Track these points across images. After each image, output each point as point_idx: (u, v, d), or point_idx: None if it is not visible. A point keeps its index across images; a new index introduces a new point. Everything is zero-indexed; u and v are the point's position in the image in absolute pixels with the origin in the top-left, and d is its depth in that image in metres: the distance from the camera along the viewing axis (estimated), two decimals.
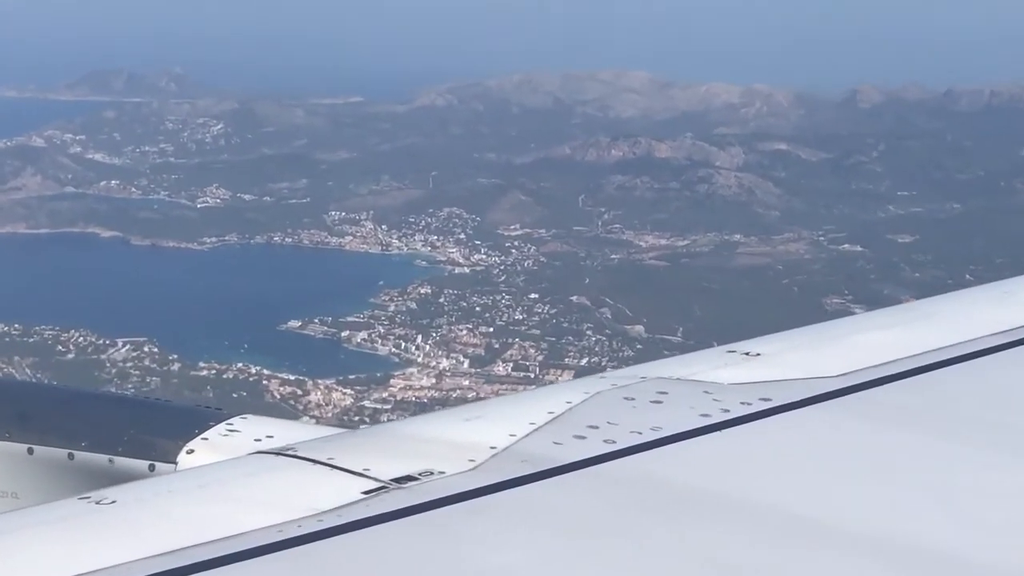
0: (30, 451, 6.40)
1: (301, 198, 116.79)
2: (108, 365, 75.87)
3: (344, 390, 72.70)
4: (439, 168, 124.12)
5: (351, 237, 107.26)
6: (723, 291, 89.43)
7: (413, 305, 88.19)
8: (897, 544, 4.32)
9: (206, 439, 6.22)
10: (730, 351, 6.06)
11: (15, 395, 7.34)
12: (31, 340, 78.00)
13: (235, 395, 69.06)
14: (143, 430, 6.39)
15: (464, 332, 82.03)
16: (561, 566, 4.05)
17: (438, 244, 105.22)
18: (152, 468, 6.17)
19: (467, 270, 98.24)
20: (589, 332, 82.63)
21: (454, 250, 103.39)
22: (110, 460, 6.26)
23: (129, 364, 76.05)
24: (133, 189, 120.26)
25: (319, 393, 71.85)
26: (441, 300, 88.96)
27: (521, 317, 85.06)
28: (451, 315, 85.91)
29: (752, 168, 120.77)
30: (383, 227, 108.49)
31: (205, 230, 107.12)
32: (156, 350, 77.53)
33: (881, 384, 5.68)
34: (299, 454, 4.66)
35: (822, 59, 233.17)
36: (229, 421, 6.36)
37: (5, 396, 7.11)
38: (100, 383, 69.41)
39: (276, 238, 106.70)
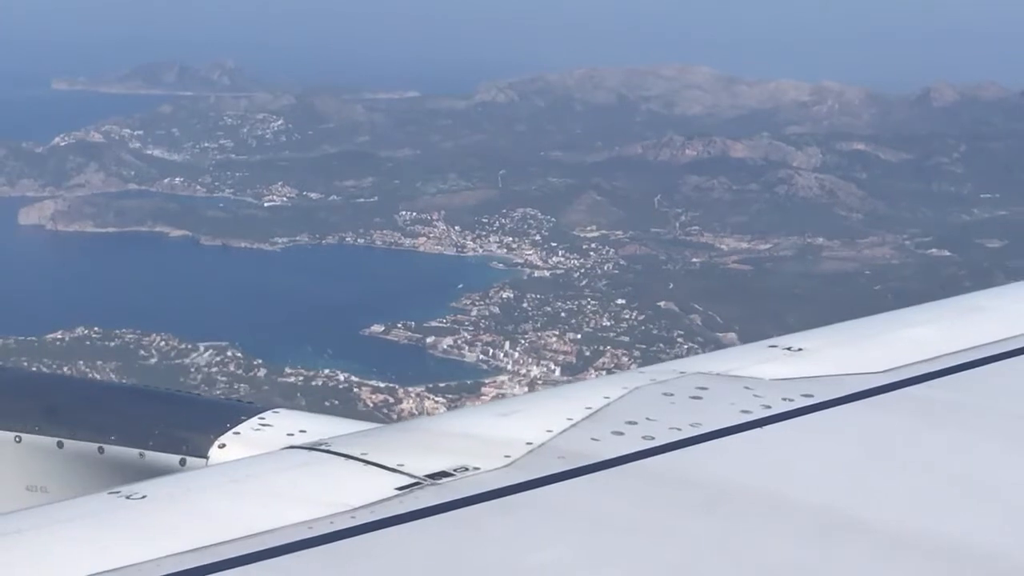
0: (60, 445, 6.40)
1: (369, 197, 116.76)
2: (193, 370, 75.91)
3: (436, 398, 72.48)
4: (507, 166, 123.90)
5: (424, 238, 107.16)
6: (814, 297, 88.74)
7: (496, 310, 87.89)
8: (941, 543, 4.32)
9: (238, 433, 6.20)
10: (771, 346, 6.06)
11: (44, 388, 7.38)
12: (112, 344, 78.13)
13: (327, 403, 68.82)
14: (174, 424, 6.37)
15: (553, 339, 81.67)
16: (597, 564, 4.05)
17: (514, 246, 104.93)
18: (183, 463, 6.16)
19: (547, 273, 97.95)
20: (680, 339, 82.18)
21: (531, 252, 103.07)
22: (140, 454, 6.26)
23: (214, 369, 75.96)
24: (198, 187, 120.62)
25: (411, 401, 71.62)
26: (524, 305, 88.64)
27: (609, 323, 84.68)
28: (536, 320, 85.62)
29: (831, 169, 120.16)
30: (456, 228, 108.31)
31: (275, 230, 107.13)
32: (240, 355, 77.47)
33: (926, 380, 5.67)
34: (332, 449, 4.68)
35: (891, 56, 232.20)
36: (261, 415, 6.33)
37: (34, 389, 7.16)
38: (187, 389, 69.26)
39: (348, 238, 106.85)
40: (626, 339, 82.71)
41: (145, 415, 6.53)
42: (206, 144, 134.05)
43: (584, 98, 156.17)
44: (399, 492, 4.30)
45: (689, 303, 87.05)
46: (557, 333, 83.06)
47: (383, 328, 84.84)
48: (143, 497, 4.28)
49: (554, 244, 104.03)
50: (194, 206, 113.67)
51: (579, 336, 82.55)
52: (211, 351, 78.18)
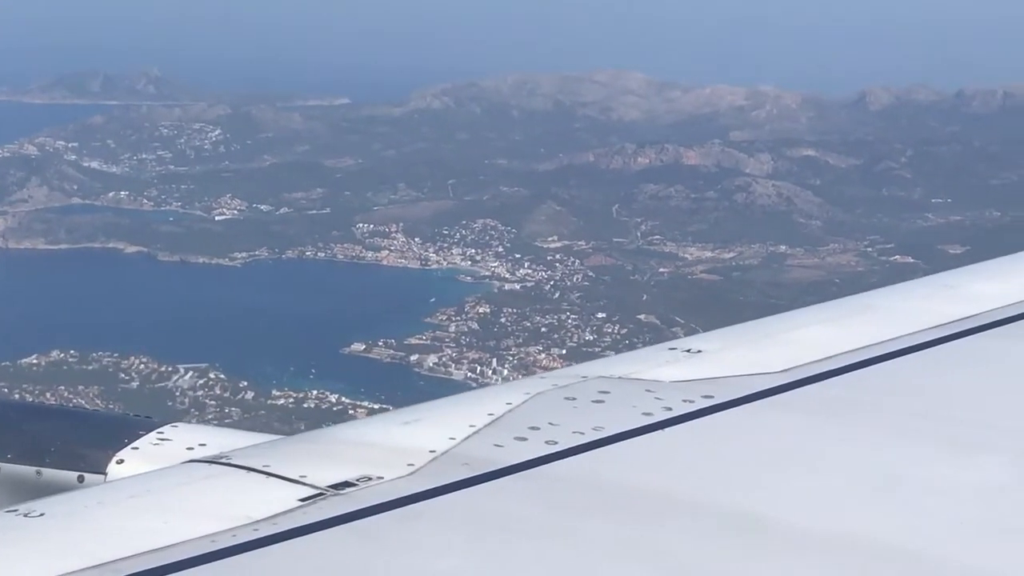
0: None
1: (320, 209, 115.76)
2: (178, 394, 74.42)
3: None
4: (455, 175, 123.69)
5: (386, 251, 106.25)
6: (790, 307, 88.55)
7: (475, 325, 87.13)
8: (842, 539, 4.41)
9: (136, 448, 6.15)
10: (671, 348, 6.15)
11: None
12: (90, 368, 76.60)
13: (324, 426, 67.53)
14: (71, 441, 6.31)
15: (539, 355, 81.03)
16: (503, 570, 4.09)
17: (478, 258, 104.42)
18: (81, 479, 6.08)
19: (517, 286, 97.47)
20: None
21: (496, 264, 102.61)
22: (37, 472, 6.18)
23: (200, 393, 74.51)
24: (144, 200, 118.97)
25: None
26: (503, 320, 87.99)
27: (592, 338, 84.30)
28: (517, 336, 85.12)
29: (784, 175, 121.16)
30: (416, 240, 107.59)
31: (233, 244, 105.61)
32: (223, 377, 76.08)
33: (822, 379, 5.79)
34: (233, 462, 4.67)
35: (820, 59, 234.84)
36: (160, 429, 6.28)
37: None
38: (177, 415, 67.82)
39: (308, 252, 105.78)
40: (612, 354, 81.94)
41: (41, 432, 6.43)
42: (144, 155, 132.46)
43: (520, 104, 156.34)
44: (302, 503, 4.31)
45: (669, 315, 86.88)
46: (541, 348, 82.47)
47: (364, 346, 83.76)
48: (41, 515, 4.28)
49: (518, 256, 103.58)
50: (144, 220, 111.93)
51: (564, 351, 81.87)
52: (193, 373, 76.75)
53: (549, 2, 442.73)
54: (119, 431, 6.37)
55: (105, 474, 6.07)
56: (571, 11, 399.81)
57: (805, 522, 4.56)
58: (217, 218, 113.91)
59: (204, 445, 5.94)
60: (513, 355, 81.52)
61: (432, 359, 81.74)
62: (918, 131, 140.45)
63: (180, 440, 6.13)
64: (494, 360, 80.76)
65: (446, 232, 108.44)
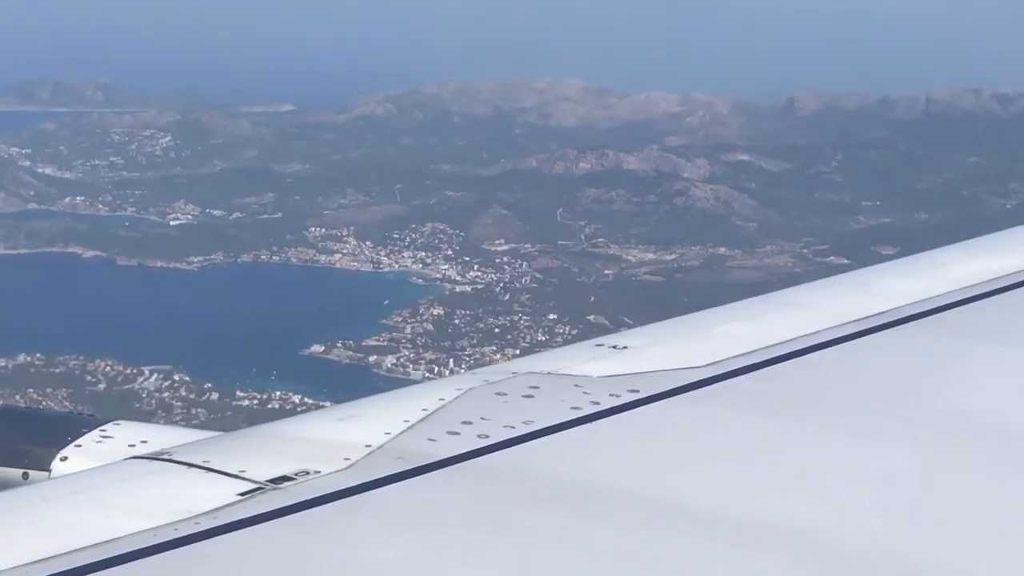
0: None
1: (272, 213, 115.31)
2: (144, 396, 74.09)
3: None
4: (401, 180, 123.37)
5: (339, 255, 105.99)
6: None
7: (430, 327, 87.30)
8: (761, 524, 4.53)
9: (79, 446, 6.17)
10: (598, 345, 6.19)
11: None
12: (57, 371, 76.10)
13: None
14: (14, 439, 6.33)
15: (495, 355, 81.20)
16: (437, 560, 4.14)
17: (428, 261, 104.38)
18: (26, 476, 6.11)
19: (468, 288, 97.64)
20: None
21: (446, 267, 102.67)
22: None
23: (166, 395, 74.27)
24: (100, 205, 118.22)
25: None
26: (456, 321, 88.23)
27: (544, 338, 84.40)
28: (471, 337, 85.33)
29: (720, 179, 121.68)
30: (368, 243, 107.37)
31: (188, 248, 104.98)
32: (187, 378, 75.85)
33: (745, 373, 5.85)
34: (174, 458, 4.68)
35: (749, 66, 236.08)
36: (103, 427, 6.31)
37: None
38: (145, 416, 67.56)
39: (263, 256, 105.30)
40: None
41: None
42: (96, 161, 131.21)
43: (461, 111, 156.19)
44: (241, 497, 4.33)
45: (617, 316, 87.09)
46: (496, 349, 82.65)
47: (323, 348, 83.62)
48: None
49: (467, 259, 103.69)
50: (101, 225, 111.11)
51: (518, 352, 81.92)
52: (157, 375, 76.46)
53: (487, 11, 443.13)
54: (63, 429, 6.38)
55: (49, 471, 6.08)
56: (508, 19, 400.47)
57: (724, 508, 4.64)
58: (172, 223, 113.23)
59: (145, 442, 5.94)
60: (469, 355, 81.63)
61: (390, 360, 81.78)
62: (846, 136, 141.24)
63: (122, 437, 6.15)
64: (451, 360, 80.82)
65: (396, 236, 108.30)
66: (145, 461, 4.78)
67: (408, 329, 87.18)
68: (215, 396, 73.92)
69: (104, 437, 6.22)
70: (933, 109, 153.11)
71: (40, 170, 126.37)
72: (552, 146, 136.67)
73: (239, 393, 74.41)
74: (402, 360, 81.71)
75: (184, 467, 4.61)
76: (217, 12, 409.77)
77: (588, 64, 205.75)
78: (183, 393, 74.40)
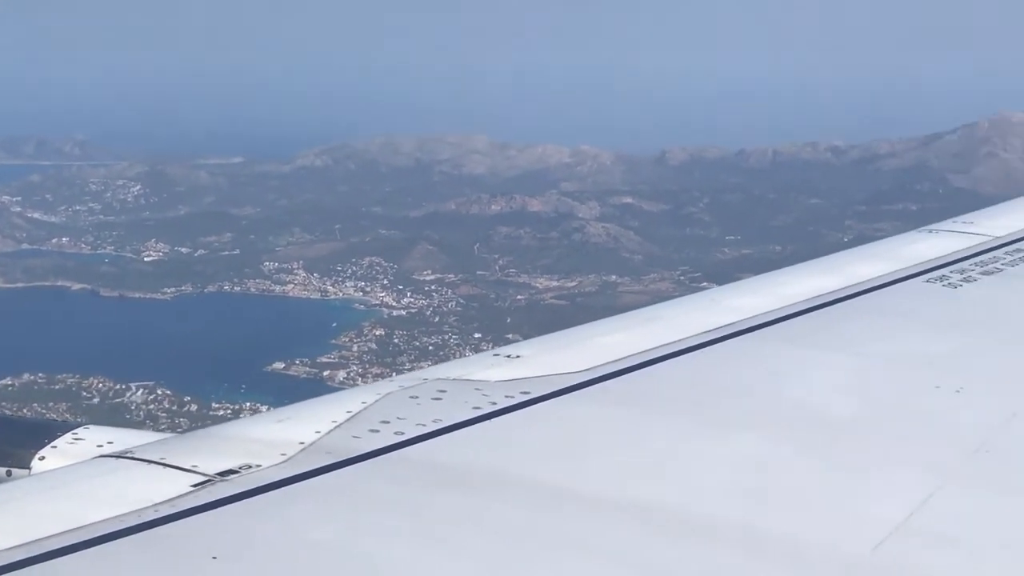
0: None
1: (232, 250, 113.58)
2: (133, 408, 72.48)
3: None
4: (340, 221, 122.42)
5: (291, 285, 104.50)
6: None
7: (373, 345, 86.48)
8: (631, 504, 4.65)
9: (55, 447, 6.14)
10: (496, 355, 6.27)
11: None
12: (57, 388, 74.25)
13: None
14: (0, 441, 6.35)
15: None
16: (362, 540, 4.22)
17: (367, 289, 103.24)
18: (9, 474, 6.08)
19: (403, 312, 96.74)
20: None
21: (383, 294, 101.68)
22: None
23: (152, 406, 72.73)
24: (83, 245, 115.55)
25: None
26: (396, 340, 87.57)
27: (472, 354, 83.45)
28: (410, 354, 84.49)
29: (609, 219, 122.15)
30: (315, 275, 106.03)
31: (162, 281, 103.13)
32: (169, 392, 74.40)
33: (617, 376, 5.95)
34: (136, 456, 4.72)
35: (627, 122, 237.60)
36: (75, 431, 6.26)
37: None
38: (136, 424, 66.19)
39: (226, 287, 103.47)
40: None
41: None
42: (78, 207, 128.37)
43: (387, 161, 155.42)
44: (194, 488, 4.38)
45: (531, 333, 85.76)
46: (432, 363, 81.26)
47: (283, 364, 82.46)
48: None
49: (401, 287, 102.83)
50: (85, 262, 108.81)
51: None
52: (143, 390, 74.83)
53: (403, 74, 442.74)
54: (41, 433, 6.32)
55: (29, 469, 6.02)
56: (422, 82, 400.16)
57: (605, 492, 4.73)
58: (146, 259, 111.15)
59: (111, 443, 5.84)
60: (409, 369, 79.97)
61: (341, 374, 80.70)
62: (710, 182, 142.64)
63: (91, 439, 6.05)
64: (394, 374, 79.45)
65: (339, 268, 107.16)
66: (111, 459, 4.80)
67: (355, 348, 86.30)
68: (194, 407, 72.50)
69: (76, 439, 6.13)
70: (779, 159, 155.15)
71: (30, 215, 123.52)
72: (466, 191, 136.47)
73: (215, 404, 73.04)
74: (352, 374, 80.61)
75: (145, 463, 4.63)
76: (173, 78, 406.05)
77: (492, 121, 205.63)
78: (166, 405, 72.91)
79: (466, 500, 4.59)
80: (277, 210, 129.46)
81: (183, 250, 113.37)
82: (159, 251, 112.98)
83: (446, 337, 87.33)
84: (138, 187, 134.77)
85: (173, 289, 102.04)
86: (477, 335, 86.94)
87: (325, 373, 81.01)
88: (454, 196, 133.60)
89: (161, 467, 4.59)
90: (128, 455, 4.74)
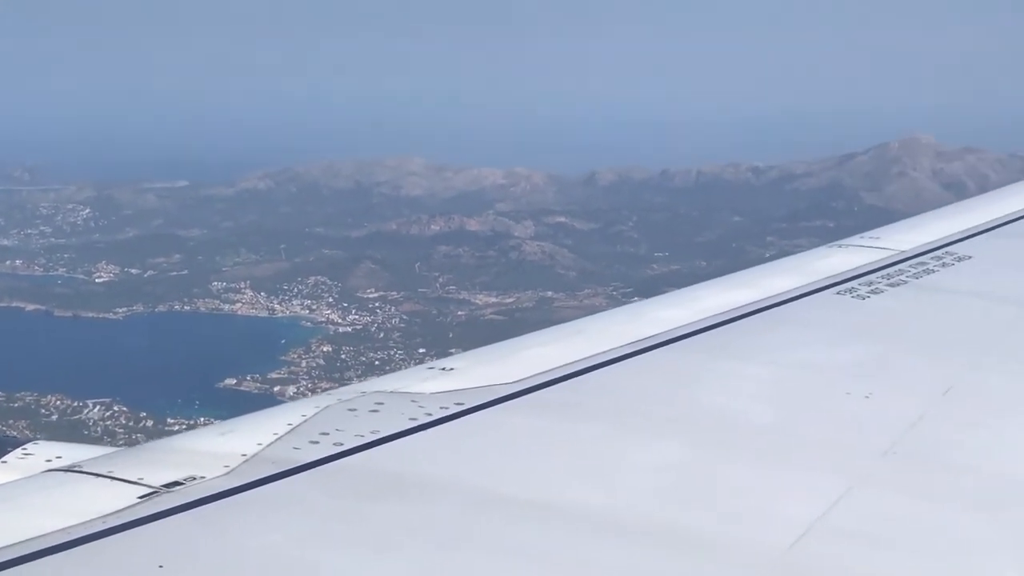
0: None
1: (180, 271, 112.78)
2: (91, 424, 72.05)
3: None
4: (285, 241, 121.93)
5: (239, 304, 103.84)
6: None
7: (321, 361, 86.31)
8: (567, 507, 4.70)
9: (5, 462, 5.95)
10: (430, 368, 6.26)
11: None
12: (16, 405, 73.38)
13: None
14: None
15: None
16: (304, 548, 4.19)
17: (313, 307, 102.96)
18: None
19: (349, 329, 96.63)
20: None
21: (329, 312, 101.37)
22: None
23: (109, 423, 72.38)
24: (36, 267, 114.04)
25: None
26: (343, 356, 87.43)
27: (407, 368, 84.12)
28: (356, 369, 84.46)
29: (544, 237, 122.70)
30: (262, 294, 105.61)
31: (113, 301, 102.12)
32: (125, 408, 74.04)
33: (547, 386, 5.96)
34: (84, 469, 4.67)
35: (557, 144, 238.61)
36: (24, 447, 6.12)
37: None
38: (92, 441, 66.03)
39: (176, 306, 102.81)
40: None
41: None
42: (29, 231, 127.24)
43: (328, 184, 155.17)
44: (140, 500, 4.35)
45: (472, 348, 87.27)
46: (378, 377, 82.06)
47: (235, 380, 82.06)
48: None
49: (346, 305, 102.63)
50: (38, 283, 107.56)
51: None
52: (100, 407, 74.36)
53: (340, 101, 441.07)
54: None
55: None
56: (358, 108, 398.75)
57: (536, 497, 4.75)
58: (97, 280, 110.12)
59: (60, 457, 5.71)
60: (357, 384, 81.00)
61: (292, 389, 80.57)
62: (637, 201, 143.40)
63: (40, 454, 5.91)
64: (342, 389, 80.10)
65: (285, 287, 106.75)
66: (60, 473, 4.72)
67: (303, 363, 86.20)
68: (150, 423, 72.12)
69: (26, 454, 5.95)
70: (703, 180, 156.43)
71: None
72: (406, 212, 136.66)
73: (170, 420, 72.55)
74: (302, 389, 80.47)
75: (93, 477, 4.56)
76: (118, 104, 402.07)
77: (428, 144, 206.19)
78: (123, 421, 72.33)
79: (403, 508, 4.55)
80: (223, 232, 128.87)
81: (133, 271, 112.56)
82: (110, 272, 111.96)
83: (392, 352, 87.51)
84: (87, 210, 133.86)
85: (125, 309, 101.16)
86: (421, 350, 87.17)
87: (276, 389, 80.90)
88: (394, 217, 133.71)
89: (108, 480, 4.52)
90: (77, 469, 4.66)
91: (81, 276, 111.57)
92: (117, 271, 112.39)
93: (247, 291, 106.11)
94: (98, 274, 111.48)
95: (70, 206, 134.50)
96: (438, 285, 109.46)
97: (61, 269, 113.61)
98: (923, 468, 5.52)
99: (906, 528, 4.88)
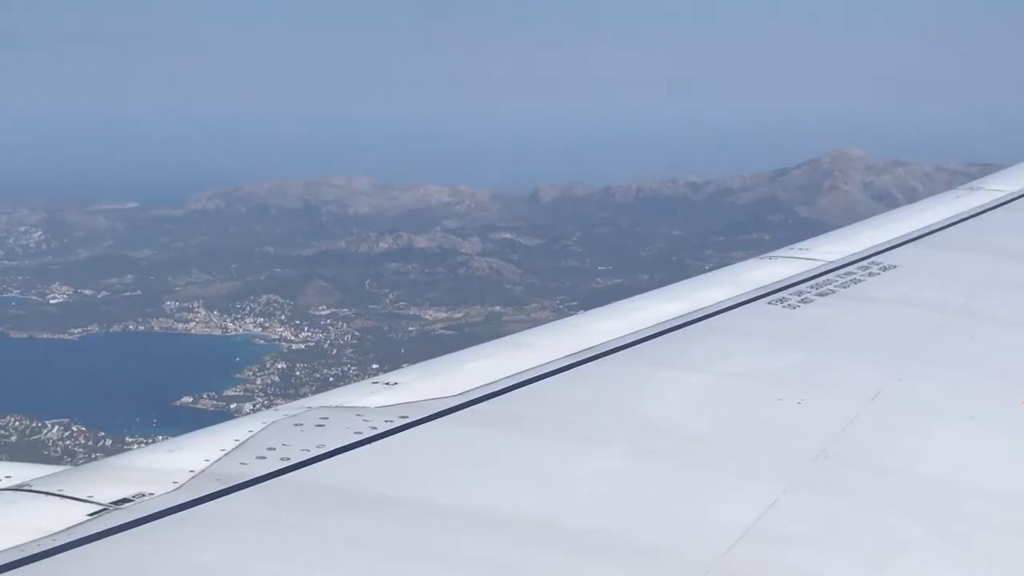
0: None
1: (133, 291, 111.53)
2: (51, 444, 71.07)
3: None
4: (235, 261, 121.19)
5: (193, 323, 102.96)
6: None
7: (276, 378, 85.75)
8: (509, 515, 4.71)
9: None
10: (375, 382, 6.26)
11: None
12: None
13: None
14: None
15: None
16: (251, 561, 4.18)
17: (266, 325, 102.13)
18: None
19: (302, 346, 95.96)
20: None
21: (282, 329, 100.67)
22: None
23: (68, 442, 71.46)
24: None
25: None
26: (297, 373, 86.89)
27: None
28: (311, 385, 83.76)
29: (491, 253, 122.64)
30: (215, 313, 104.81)
31: (69, 322, 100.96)
32: (84, 428, 73.17)
33: (488, 399, 5.98)
34: (34, 488, 4.64)
35: (499, 162, 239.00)
36: None
37: None
38: (52, 461, 65.12)
39: (131, 326, 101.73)
40: None
41: None
42: None
43: (276, 204, 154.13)
44: (90, 517, 4.33)
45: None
46: (324, 392, 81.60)
47: (192, 399, 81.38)
48: None
49: (298, 322, 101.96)
50: None
51: None
52: (59, 427, 73.40)
53: (284, 121, 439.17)
54: None
55: None
56: (306, 126, 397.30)
57: (480, 506, 4.73)
58: (52, 301, 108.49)
59: (10, 477, 5.63)
60: None
61: (248, 406, 79.58)
62: (581, 217, 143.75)
63: None
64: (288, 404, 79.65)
65: (238, 306, 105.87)
66: (10, 492, 4.66)
67: (259, 380, 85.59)
68: (109, 442, 71.08)
69: None
70: (643, 195, 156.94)
71: None
72: (354, 230, 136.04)
73: (128, 438, 71.67)
74: (257, 406, 79.41)
75: (43, 495, 4.53)
76: (65, 126, 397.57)
77: (374, 163, 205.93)
78: (82, 441, 71.37)
79: (349, 520, 4.51)
80: (174, 252, 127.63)
81: (87, 292, 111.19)
82: (64, 293, 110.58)
83: (346, 368, 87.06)
84: (39, 233, 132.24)
85: (80, 329, 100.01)
86: (375, 365, 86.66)
87: (232, 406, 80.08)
88: (343, 235, 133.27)
89: (59, 498, 4.48)
90: (27, 488, 4.62)
91: (35, 297, 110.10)
92: (71, 292, 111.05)
93: (200, 310, 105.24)
94: (52, 295, 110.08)
95: (22, 228, 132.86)
96: (388, 301, 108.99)
97: (15, 291, 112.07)
98: (854, 471, 5.53)
99: (838, 530, 4.90)
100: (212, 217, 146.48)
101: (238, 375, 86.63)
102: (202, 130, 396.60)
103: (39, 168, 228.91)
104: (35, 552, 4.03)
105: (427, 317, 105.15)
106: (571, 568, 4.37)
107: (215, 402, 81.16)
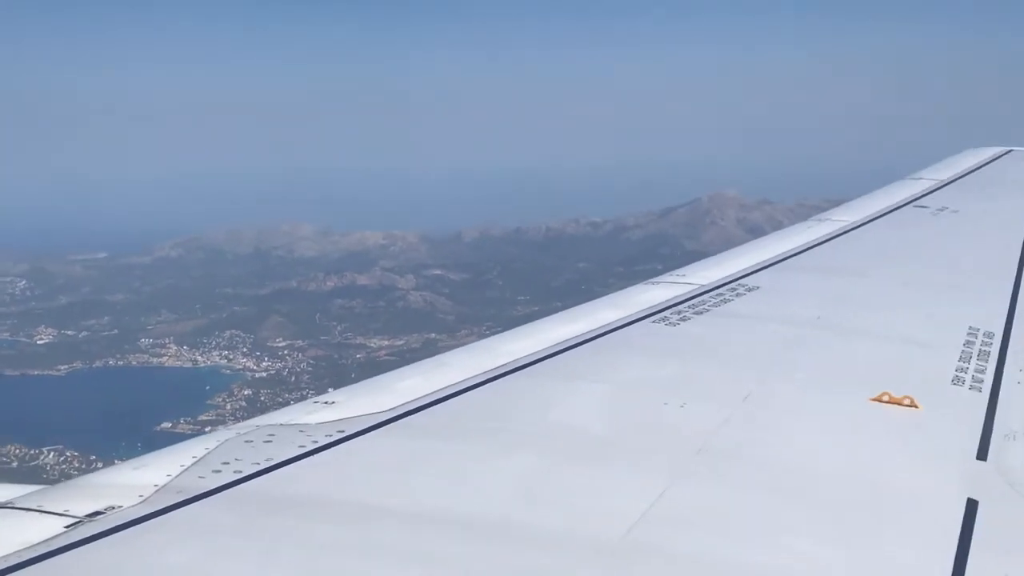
0: None
1: (111, 331, 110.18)
2: (48, 469, 70.45)
3: None
4: (199, 301, 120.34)
5: (166, 357, 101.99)
6: None
7: (243, 403, 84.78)
8: (440, 517, 4.65)
9: None
10: (315, 402, 6.14)
11: None
12: None
13: None
14: None
15: None
16: (212, 564, 4.13)
17: (231, 357, 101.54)
18: None
19: (264, 374, 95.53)
20: None
21: (245, 360, 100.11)
22: None
23: (64, 467, 70.83)
24: None
25: None
26: (262, 398, 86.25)
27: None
28: (275, 408, 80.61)
29: (424, 288, 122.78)
30: (185, 347, 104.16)
31: (55, 360, 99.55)
32: (76, 453, 72.58)
33: (416, 412, 5.93)
34: (15, 505, 4.55)
35: (427, 205, 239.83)
36: None
37: None
38: (51, 483, 64.51)
39: (111, 362, 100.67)
40: None
41: None
42: None
43: (232, 250, 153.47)
44: (66, 529, 4.27)
45: None
46: (271, 412, 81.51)
47: (171, 424, 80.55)
48: None
49: (259, 353, 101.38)
50: None
51: None
52: (54, 453, 72.85)
53: (238, 171, 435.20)
54: None
55: None
56: (246, 179, 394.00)
57: (414, 507, 4.69)
58: (39, 342, 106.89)
59: None
60: None
61: (221, 429, 79.91)
62: (499, 254, 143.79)
63: None
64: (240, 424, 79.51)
65: (205, 340, 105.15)
66: None
67: (228, 406, 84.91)
68: (100, 465, 70.60)
69: None
70: (551, 234, 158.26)
71: None
72: (302, 271, 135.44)
73: (117, 461, 70.74)
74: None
75: (23, 511, 4.46)
76: (40, 184, 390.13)
77: (315, 211, 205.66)
78: (76, 465, 70.57)
79: (298, 524, 4.46)
80: (144, 295, 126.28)
81: (69, 333, 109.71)
82: (49, 335, 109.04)
83: (304, 392, 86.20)
84: (23, 282, 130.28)
85: (66, 366, 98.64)
86: (330, 389, 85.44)
87: (207, 429, 78.62)
88: (293, 276, 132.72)
89: (38, 513, 4.41)
90: (8, 505, 4.54)
91: (24, 339, 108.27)
92: (55, 333, 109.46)
93: (172, 345, 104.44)
94: (39, 336, 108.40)
95: (8, 278, 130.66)
96: (337, 332, 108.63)
97: (5, 334, 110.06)
98: (730, 463, 5.57)
99: (719, 513, 4.97)
100: (176, 263, 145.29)
101: (210, 401, 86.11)
102: (159, 186, 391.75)
103: (21, 224, 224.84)
104: (17, 562, 3.97)
105: (372, 345, 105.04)
106: (491, 553, 4.39)
107: (191, 426, 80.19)
